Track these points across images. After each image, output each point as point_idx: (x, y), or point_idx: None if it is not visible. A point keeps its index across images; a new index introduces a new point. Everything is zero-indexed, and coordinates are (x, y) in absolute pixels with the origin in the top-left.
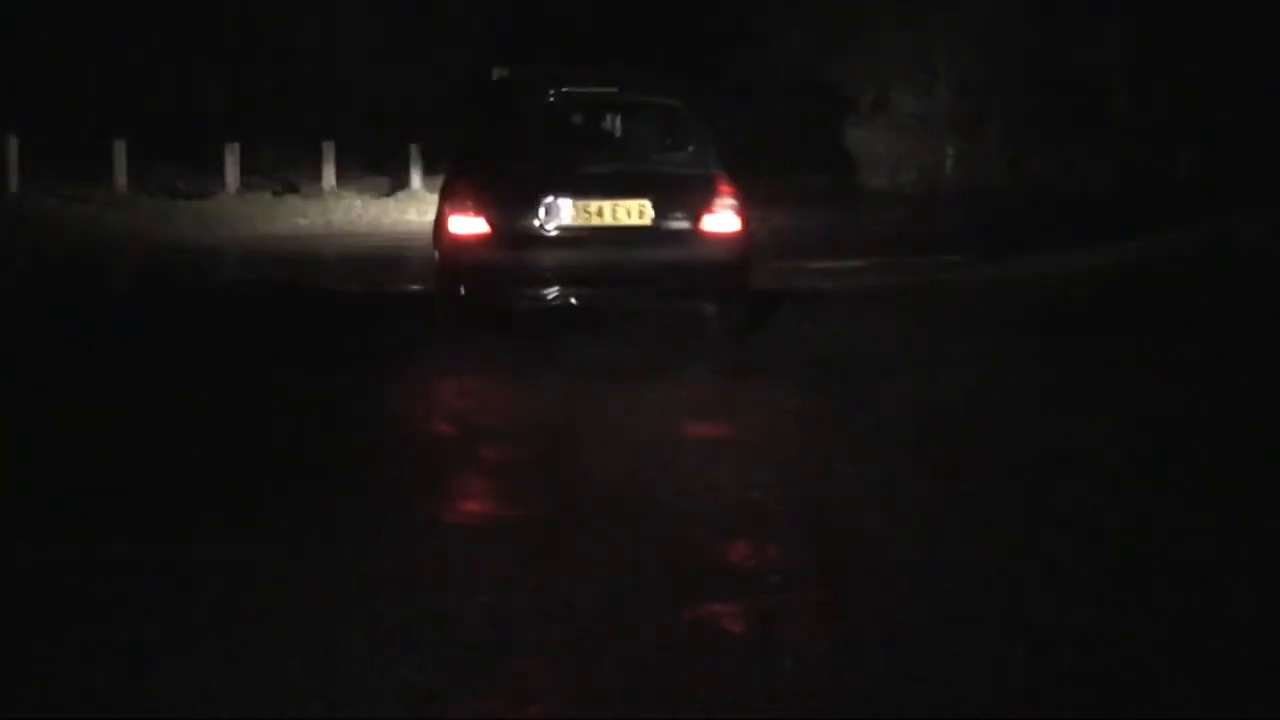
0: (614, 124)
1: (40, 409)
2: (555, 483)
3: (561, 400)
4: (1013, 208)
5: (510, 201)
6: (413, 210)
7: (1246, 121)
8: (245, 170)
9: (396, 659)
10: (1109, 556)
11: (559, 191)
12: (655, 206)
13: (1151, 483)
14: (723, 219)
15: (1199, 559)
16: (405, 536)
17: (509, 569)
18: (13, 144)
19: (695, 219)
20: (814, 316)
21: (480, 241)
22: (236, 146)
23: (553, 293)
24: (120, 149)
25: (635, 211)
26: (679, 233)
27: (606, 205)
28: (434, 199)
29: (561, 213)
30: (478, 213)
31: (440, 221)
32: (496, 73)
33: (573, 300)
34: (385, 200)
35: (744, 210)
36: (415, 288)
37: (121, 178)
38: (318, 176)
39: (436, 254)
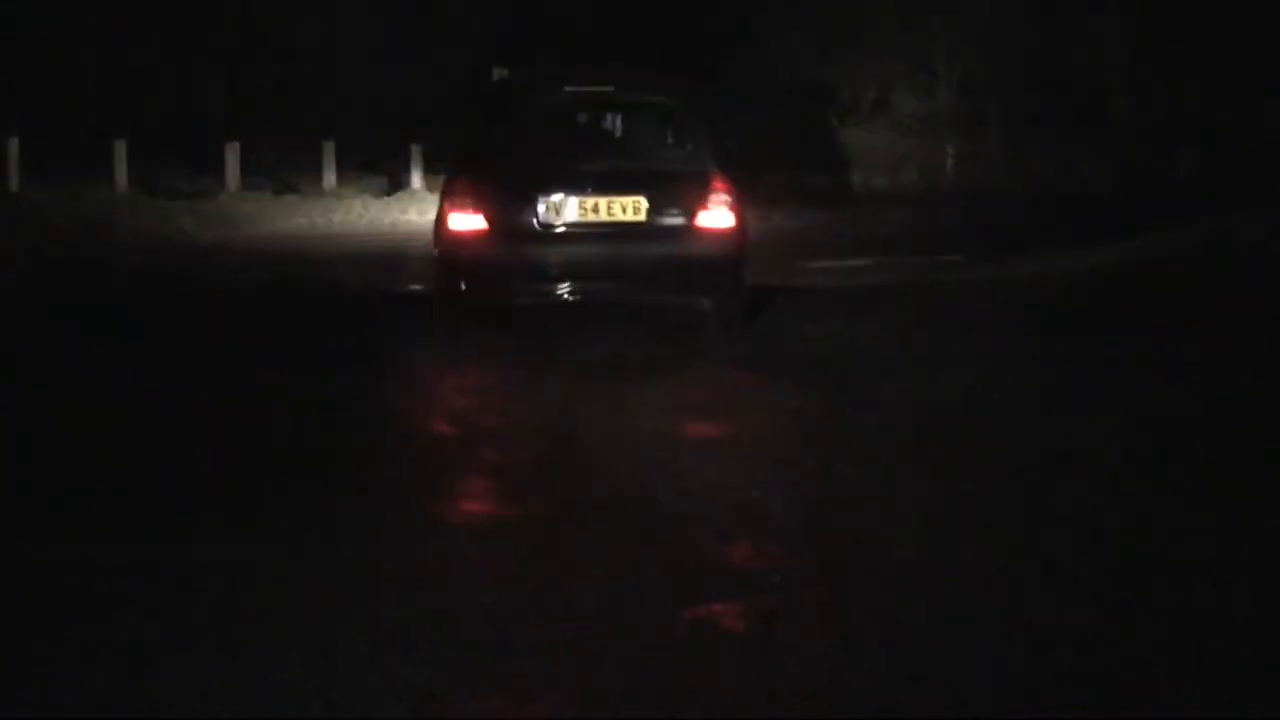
0: (611, 122)
1: (40, 409)
2: (555, 483)
3: (561, 400)
4: (1013, 208)
5: (507, 198)
6: (413, 210)
7: (1246, 121)
8: (245, 170)
9: (396, 659)
10: (1109, 556)
11: (555, 188)
12: (650, 203)
13: (1151, 483)
14: (717, 215)
15: (1199, 559)
16: (405, 536)
17: (509, 569)
18: (14, 144)
19: (690, 215)
20: (814, 316)
21: (478, 238)
22: (237, 146)
23: (549, 288)
24: (121, 149)
25: (630, 208)
26: (673, 228)
27: (602, 201)
28: (434, 199)
29: (557, 209)
30: (476, 210)
31: (440, 219)
32: (497, 73)
33: (568, 296)
34: (385, 200)
35: (739, 206)
36: (415, 288)
37: (122, 178)
38: (318, 176)
39: (436, 251)
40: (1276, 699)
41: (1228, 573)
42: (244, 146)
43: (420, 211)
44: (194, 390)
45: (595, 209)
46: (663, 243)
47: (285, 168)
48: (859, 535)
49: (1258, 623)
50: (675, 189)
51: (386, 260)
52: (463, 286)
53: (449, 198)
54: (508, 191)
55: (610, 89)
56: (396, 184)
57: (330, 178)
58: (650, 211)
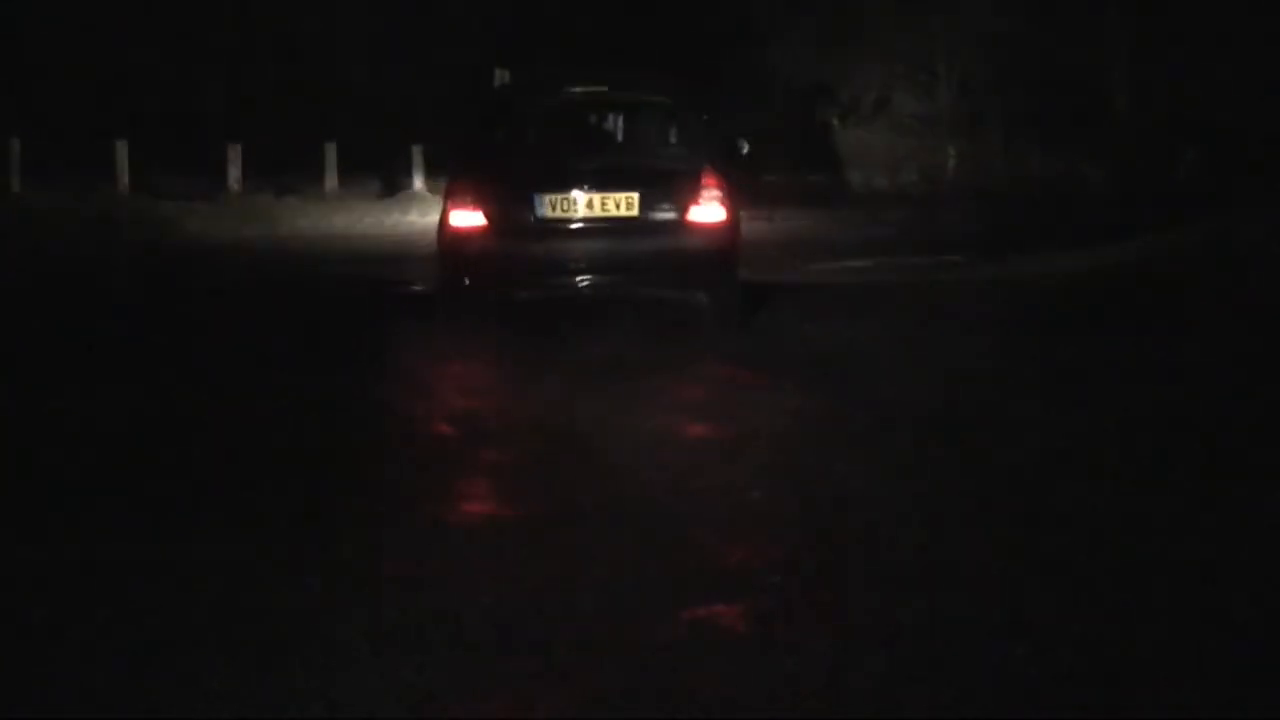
0: (607, 122)
1: (41, 409)
2: (555, 483)
3: (561, 399)
4: (1013, 208)
5: (506, 196)
6: (414, 212)
7: (1246, 121)
8: (246, 171)
9: (396, 659)
10: (1109, 556)
11: (550, 185)
12: (642, 198)
13: (1151, 483)
14: (708, 210)
15: (1199, 559)
16: (405, 536)
17: (509, 569)
18: (15, 145)
19: (681, 210)
20: (814, 316)
21: (478, 234)
22: (238, 147)
23: (546, 282)
24: (122, 149)
25: (623, 203)
26: (665, 223)
27: (596, 197)
28: (435, 201)
29: (553, 205)
30: (476, 207)
31: (442, 217)
32: (497, 74)
33: (565, 289)
34: (386, 201)
35: (730, 202)
36: (416, 288)
37: (123, 178)
38: (319, 177)
39: (439, 248)
40: (1276, 699)
41: (1228, 573)
42: (244, 147)
43: (421, 213)
44: (194, 390)
45: (590, 205)
46: (655, 237)
47: (286, 168)
48: (859, 535)
49: (1258, 623)
50: (667, 185)
51: (387, 261)
52: (464, 282)
53: (451, 196)
54: (507, 189)
55: (603, 89)
56: (397, 186)
57: (331, 179)
58: (642, 206)
